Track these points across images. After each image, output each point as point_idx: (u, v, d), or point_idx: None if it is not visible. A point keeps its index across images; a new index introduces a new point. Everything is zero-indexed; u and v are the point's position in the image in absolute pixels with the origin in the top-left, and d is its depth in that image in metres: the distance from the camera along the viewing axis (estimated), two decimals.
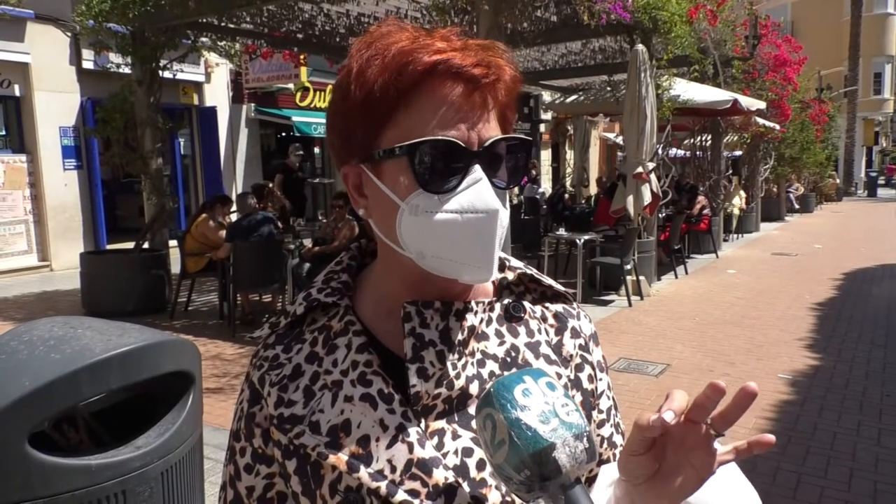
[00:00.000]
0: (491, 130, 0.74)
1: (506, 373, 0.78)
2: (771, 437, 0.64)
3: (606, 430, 0.86)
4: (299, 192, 11.21)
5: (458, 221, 0.71)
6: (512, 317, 0.82)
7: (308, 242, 7.98)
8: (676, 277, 9.84)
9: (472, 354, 0.78)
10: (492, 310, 0.82)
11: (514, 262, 0.87)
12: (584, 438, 0.60)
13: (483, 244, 0.72)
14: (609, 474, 0.75)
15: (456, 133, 0.71)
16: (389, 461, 0.72)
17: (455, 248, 0.72)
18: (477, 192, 0.71)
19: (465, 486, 0.71)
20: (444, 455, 0.73)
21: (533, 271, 0.88)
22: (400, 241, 0.74)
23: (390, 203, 0.74)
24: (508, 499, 0.72)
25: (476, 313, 0.79)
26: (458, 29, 0.76)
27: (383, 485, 0.71)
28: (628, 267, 8.15)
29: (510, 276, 0.86)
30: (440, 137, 0.71)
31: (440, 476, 0.71)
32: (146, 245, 8.20)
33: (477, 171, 0.72)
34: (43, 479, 1.58)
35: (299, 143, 12.77)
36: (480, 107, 0.73)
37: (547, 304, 0.86)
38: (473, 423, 0.73)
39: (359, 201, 0.79)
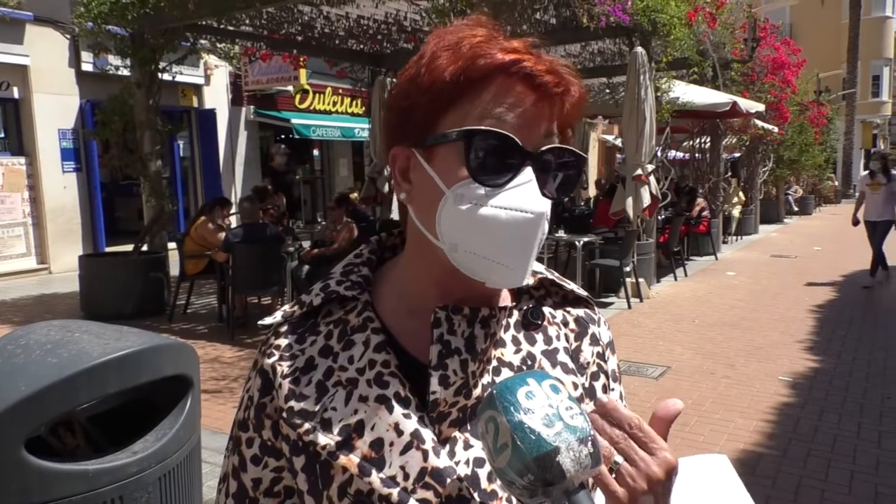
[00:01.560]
0: (550, 139, 0.73)
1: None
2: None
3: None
4: (288, 194, 11.10)
5: (501, 218, 0.69)
6: (530, 324, 0.81)
7: (307, 244, 7.98)
8: (676, 279, 9.84)
9: (489, 362, 0.77)
10: (510, 315, 0.81)
11: (536, 267, 0.85)
12: (589, 443, 0.59)
13: (523, 246, 0.71)
14: None
15: (515, 132, 0.70)
16: (402, 468, 0.71)
17: (492, 245, 0.70)
18: (526, 191, 0.70)
19: (476, 498, 0.70)
20: (456, 464, 0.71)
21: (555, 275, 0.86)
22: (437, 231, 0.73)
23: (436, 189, 0.73)
24: None
25: (498, 320, 0.78)
26: (531, 40, 0.76)
27: (395, 492, 0.70)
28: (628, 269, 8.14)
29: (530, 280, 0.84)
30: (499, 130, 0.70)
31: (453, 487, 0.70)
32: (145, 247, 8.19)
33: (528, 172, 0.71)
34: (40, 485, 1.57)
35: (284, 143, 12.68)
36: (544, 114, 0.72)
37: (568, 309, 0.85)
38: (477, 428, 0.73)
39: (402, 185, 0.78)
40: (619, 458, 0.63)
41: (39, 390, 1.55)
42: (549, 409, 0.59)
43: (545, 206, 0.71)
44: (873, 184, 9.04)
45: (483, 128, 0.70)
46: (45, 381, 1.57)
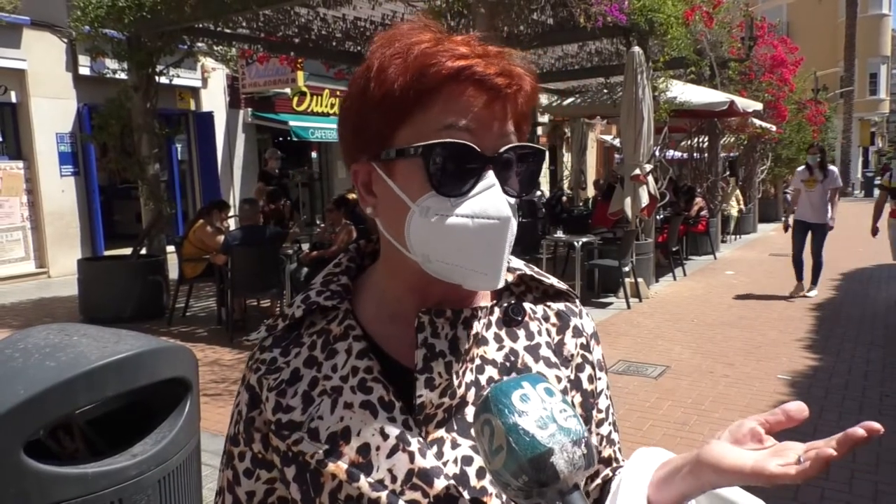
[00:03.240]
0: (507, 138, 0.74)
1: (504, 378, 0.77)
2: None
3: (605, 429, 0.86)
4: (284, 198, 11.08)
5: (469, 227, 0.70)
6: (511, 320, 0.81)
7: (306, 247, 7.97)
8: (675, 279, 9.84)
9: (472, 360, 0.77)
10: (491, 313, 0.81)
11: (514, 263, 0.86)
12: (582, 444, 0.59)
13: (493, 251, 0.72)
14: (647, 460, 0.72)
15: (472, 138, 0.71)
16: (390, 471, 0.71)
17: (463, 253, 0.71)
18: (489, 197, 0.71)
19: (466, 496, 0.71)
20: (444, 464, 0.72)
21: (534, 270, 0.87)
22: (407, 244, 0.74)
23: (401, 204, 0.73)
24: None
25: (480, 319, 0.79)
26: (478, 34, 0.76)
27: (384, 495, 0.70)
28: (626, 269, 8.14)
29: (510, 277, 0.85)
30: (457, 141, 0.70)
31: (441, 486, 0.70)
32: (143, 251, 8.18)
33: (490, 176, 0.71)
34: (38, 488, 1.56)
35: (282, 146, 12.70)
36: (499, 115, 0.73)
37: (549, 303, 0.85)
38: (472, 431, 0.73)
39: (367, 199, 0.78)
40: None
41: (38, 394, 1.55)
42: (543, 412, 0.60)
43: (510, 208, 0.72)
44: (809, 180, 8.10)
45: (441, 141, 0.70)
46: (44, 384, 1.57)
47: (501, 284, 0.75)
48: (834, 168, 8.32)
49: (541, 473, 0.58)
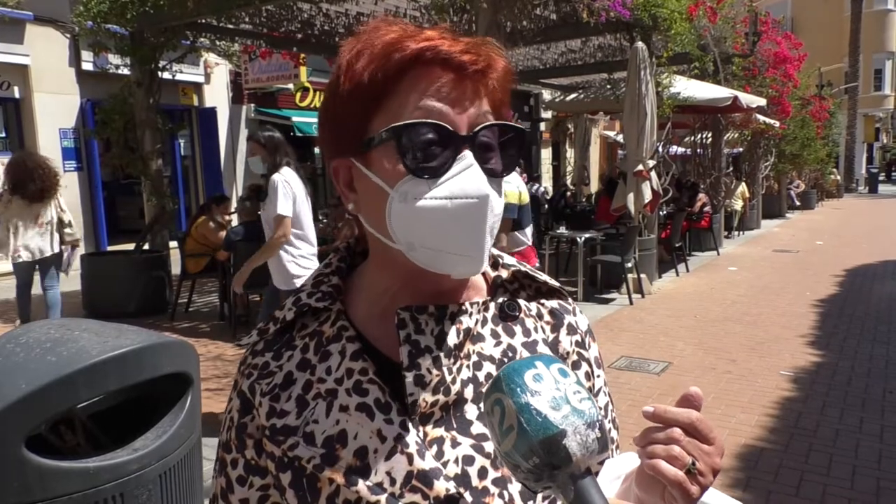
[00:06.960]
0: (482, 118, 0.72)
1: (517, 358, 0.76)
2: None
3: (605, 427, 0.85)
4: None
5: (447, 207, 0.69)
6: (507, 316, 0.80)
7: None
8: (678, 275, 9.83)
9: (468, 357, 0.76)
10: (486, 309, 0.80)
11: (508, 260, 0.85)
12: (596, 428, 0.57)
13: (473, 232, 0.70)
14: (616, 467, 0.74)
15: (443, 118, 0.70)
16: (388, 473, 0.70)
17: (444, 236, 0.70)
18: (468, 177, 0.69)
19: (468, 496, 0.70)
20: (445, 464, 0.71)
21: (527, 268, 0.86)
22: (390, 233, 0.72)
23: (380, 192, 0.72)
24: None
25: (471, 315, 0.77)
26: (449, 25, 0.75)
27: (383, 498, 0.69)
28: (629, 265, 8.13)
29: (504, 273, 0.84)
30: (426, 120, 0.69)
31: (441, 487, 0.69)
32: (147, 246, 8.20)
33: (468, 156, 0.70)
34: (40, 483, 1.57)
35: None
36: (470, 94, 0.72)
37: (542, 301, 0.84)
38: (472, 429, 0.72)
39: (349, 196, 0.78)
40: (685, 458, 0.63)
41: (39, 388, 1.55)
42: (556, 392, 0.58)
43: (489, 188, 0.70)
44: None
45: (411, 121, 0.69)
46: (45, 379, 1.57)
47: (485, 268, 0.73)
48: (279, 178, 4.11)
49: (552, 456, 0.56)
